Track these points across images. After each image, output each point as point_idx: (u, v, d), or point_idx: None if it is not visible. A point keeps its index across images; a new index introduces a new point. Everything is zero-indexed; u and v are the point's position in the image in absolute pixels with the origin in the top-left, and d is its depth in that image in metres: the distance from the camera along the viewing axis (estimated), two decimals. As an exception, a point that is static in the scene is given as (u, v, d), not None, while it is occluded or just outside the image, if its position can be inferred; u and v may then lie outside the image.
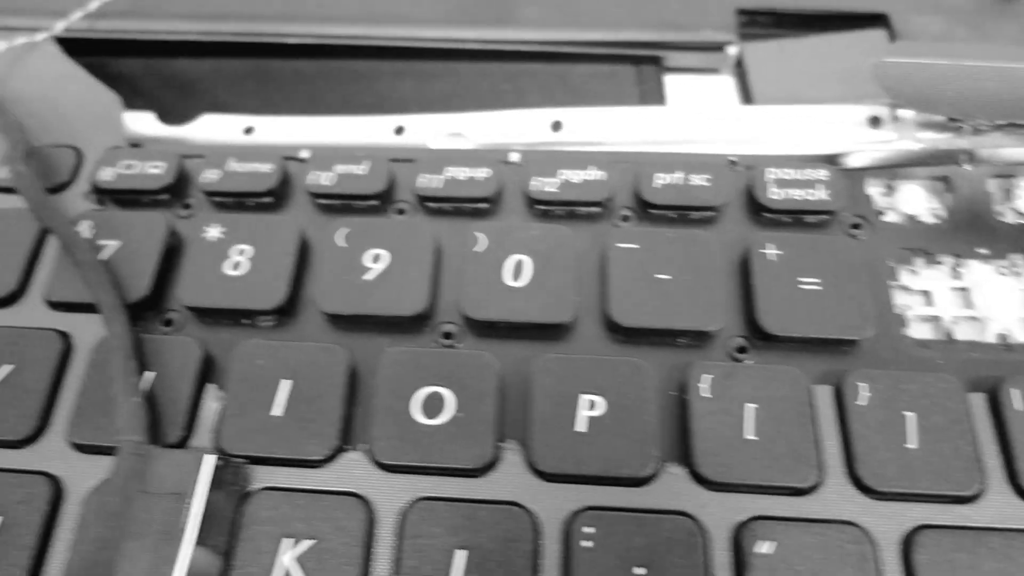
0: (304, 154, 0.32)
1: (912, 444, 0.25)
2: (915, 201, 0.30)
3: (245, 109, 0.35)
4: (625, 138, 0.32)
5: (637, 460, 0.25)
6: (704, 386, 0.25)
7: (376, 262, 0.28)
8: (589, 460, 0.25)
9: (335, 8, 0.39)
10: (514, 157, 0.31)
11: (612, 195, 0.30)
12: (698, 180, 0.30)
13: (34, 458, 0.26)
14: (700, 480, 0.25)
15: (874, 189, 0.30)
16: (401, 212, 0.30)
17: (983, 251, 0.29)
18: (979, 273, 0.29)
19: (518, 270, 0.28)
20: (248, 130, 0.34)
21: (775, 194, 0.29)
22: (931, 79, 0.28)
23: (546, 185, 0.30)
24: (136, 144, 0.34)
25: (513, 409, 0.26)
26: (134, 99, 0.35)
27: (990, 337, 0.28)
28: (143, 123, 0.34)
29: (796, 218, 0.29)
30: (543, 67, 0.38)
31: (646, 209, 0.30)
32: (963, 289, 0.28)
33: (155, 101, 0.37)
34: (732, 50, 0.37)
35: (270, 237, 0.29)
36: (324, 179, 0.30)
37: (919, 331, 0.28)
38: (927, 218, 0.30)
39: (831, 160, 0.31)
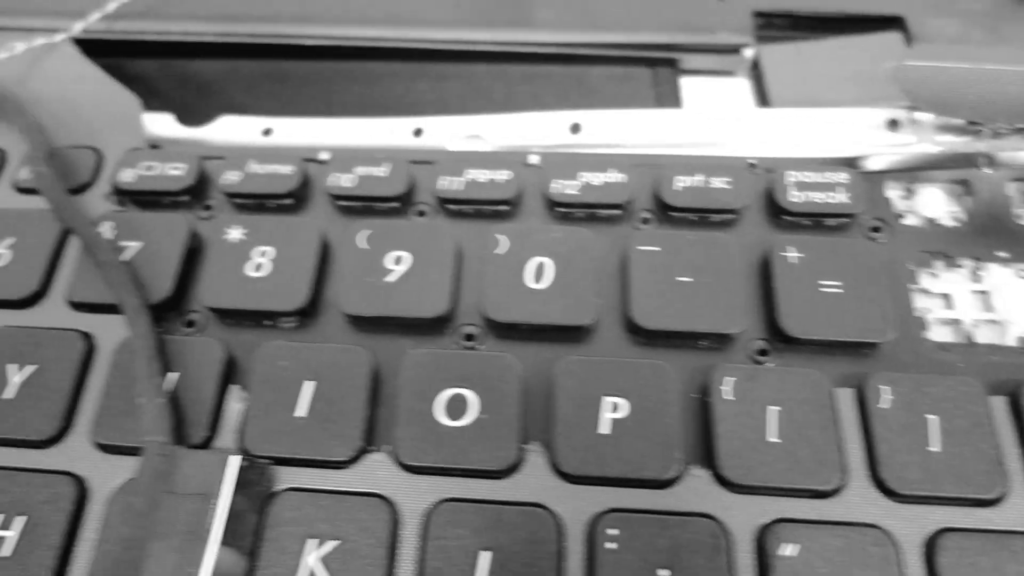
0: (324, 156, 0.32)
1: (935, 447, 0.25)
2: (934, 204, 0.30)
3: (261, 110, 0.35)
4: (644, 140, 0.32)
5: (660, 462, 0.25)
6: (727, 388, 0.26)
7: (398, 264, 0.28)
8: (613, 462, 0.25)
9: (351, 10, 0.39)
10: (533, 159, 0.31)
11: (632, 198, 0.30)
12: (718, 183, 0.30)
13: (58, 458, 0.26)
14: (723, 482, 0.25)
15: (893, 192, 0.30)
16: (422, 214, 0.31)
17: (1003, 254, 0.29)
18: (999, 276, 0.29)
19: (539, 272, 0.28)
20: (266, 131, 0.34)
21: (795, 197, 0.29)
22: (951, 82, 0.28)
23: (566, 187, 0.30)
24: (155, 145, 0.34)
25: (535, 411, 0.26)
26: (151, 100, 0.35)
27: (1010, 340, 0.28)
28: (162, 124, 0.35)
29: (816, 221, 0.29)
30: (559, 69, 0.38)
31: (666, 212, 0.30)
32: (983, 292, 0.28)
33: (172, 102, 0.37)
34: (748, 52, 0.37)
35: (291, 239, 0.29)
36: (345, 181, 0.31)
37: (939, 334, 0.28)
38: (947, 221, 0.30)
39: (850, 163, 0.31)
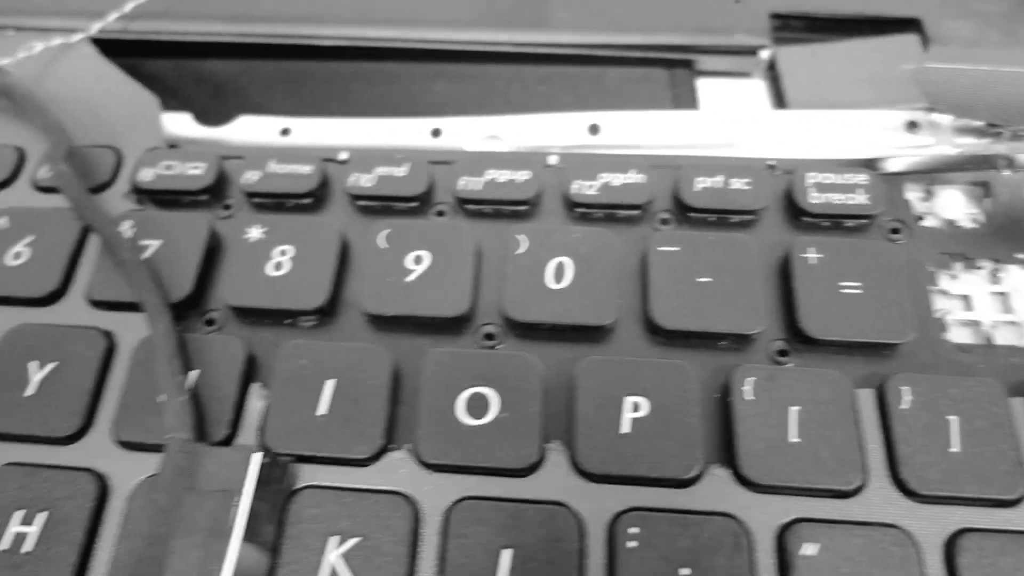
0: (342, 156, 0.32)
1: (955, 448, 0.25)
2: (954, 206, 0.30)
3: (278, 110, 0.35)
4: (662, 142, 0.33)
5: (681, 461, 0.25)
6: (747, 389, 0.26)
7: (418, 263, 0.28)
8: (633, 461, 0.25)
9: (368, 10, 0.39)
10: (552, 160, 0.31)
11: (651, 198, 0.30)
12: (738, 184, 0.30)
13: (79, 455, 0.26)
14: (744, 482, 0.25)
15: (913, 194, 0.30)
16: (441, 214, 0.31)
17: (1022, 256, 0.29)
18: (1018, 278, 0.29)
19: (559, 272, 0.28)
20: (284, 131, 0.34)
21: (815, 198, 0.29)
22: (972, 85, 0.28)
23: (586, 188, 0.30)
24: (173, 145, 0.34)
25: (556, 410, 0.26)
26: (167, 100, 0.35)
27: (1030, 342, 0.28)
28: (180, 124, 0.35)
29: (835, 222, 0.29)
30: (576, 70, 0.38)
31: (685, 212, 0.30)
32: (1002, 294, 0.28)
33: (188, 102, 0.37)
34: (765, 54, 0.37)
35: (311, 238, 0.29)
36: (364, 181, 0.31)
37: (959, 335, 0.28)
38: (966, 223, 0.30)
39: (869, 164, 0.31)
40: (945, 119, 0.32)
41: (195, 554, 0.23)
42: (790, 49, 0.37)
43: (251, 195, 0.31)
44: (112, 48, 0.37)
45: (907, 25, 0.37)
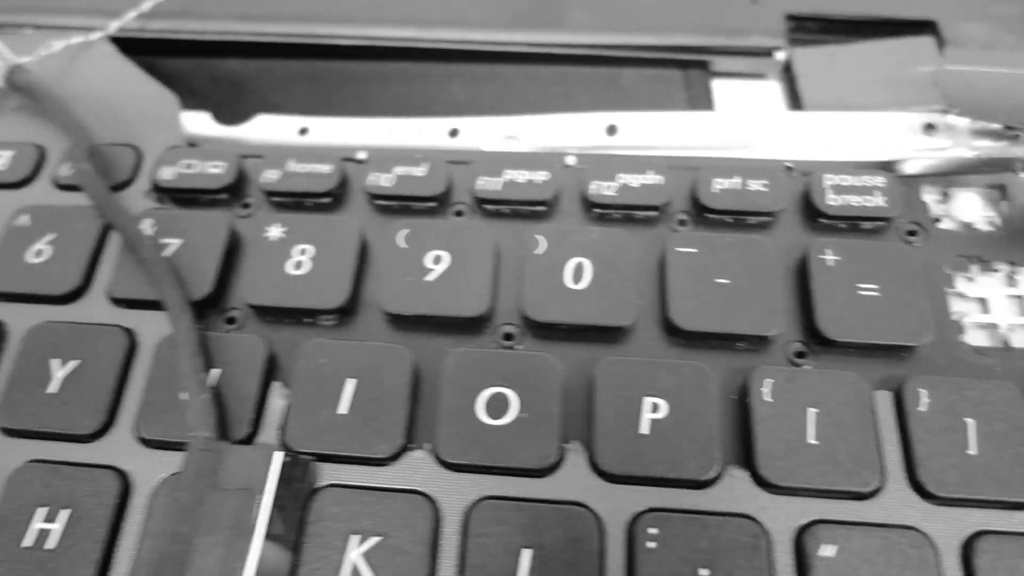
0: (361, 155, 0.32)
1: (972, 450, 0.25)
2: (970, 209, 0.30)
3: (295, 110, 0.35)
4: (679, 142, 0.33)
5: (700, 462, 0.25)
6: (766, 390, 0.26)
7: (437, 263, 0.28)
8: (652, 462, 0.25)
9: (386, 10, 0.39)
10: (570, 160, 0.32)
11: (670, 200, 0.30)
12: (755, 185, 0.30)
13: (102, 452, 0.27)
14: (762, 483, 0.25)
15: (929, 196, 0.30)
16: (459, 214, 0.31)
17: (1039, 259, 0.29)
18: (1035, 281, 0.29)
19: (578, 273, 0.28)
20: (303, 131, 0.34)
21: (833, 200, 0.29)
22: (991, 88, 0.28)
23: (604, 189, 0.30)
24: (192, 144, 0.34)
25: (574, 410, 0.26)
26: (185, 98, 0.36)
27: (1047, 345, 0.28)
28: (199, 123, 0.35)
29: (852, 224, 0.30)
30: (592, 70, 0.39)
31: (702, 214, 0.30)
32: (1019, 297, 0.29)
33: (205, 101, 0.37)
34: (780, 55, 0.37)
35: (331, 237, 0.29)
36: (383, 180, 0.31)
37: (976, 338, 0.28)
38: (982, 226, 0.30)
39: (886, 167, 0.31)
40: (962, 121, 0.32)
41: (218, 552, 0.23)
42: (806, 50, 0.37)
43: (270, 194, 0.31)
44: (130, 47, 0.38)
45: (922, 27, 0.37)
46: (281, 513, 0.24)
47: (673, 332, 0.28)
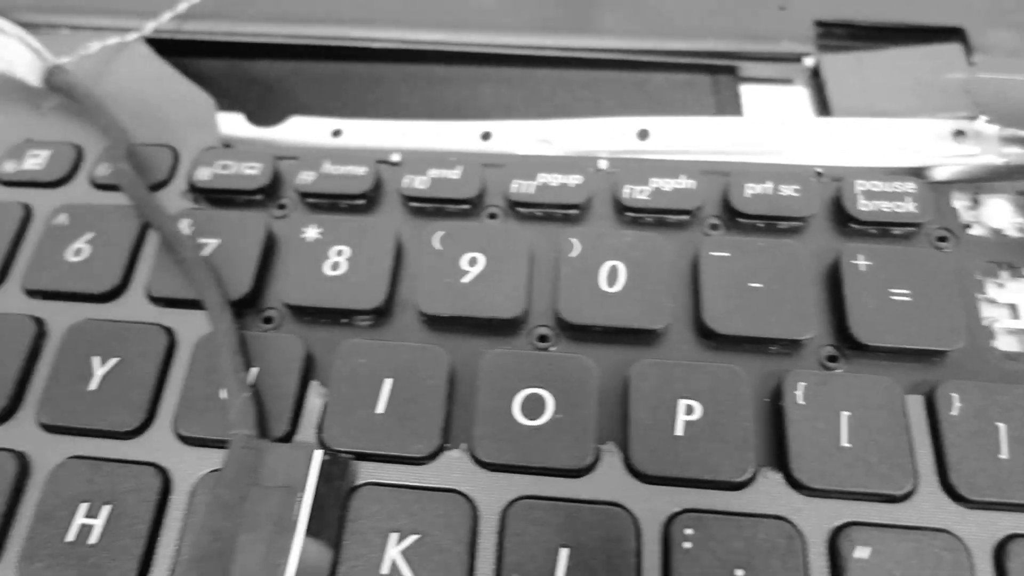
0: (395, 158, 0.33)
1: (1004, 454, 0.25)
2: (1000, 215, 0.30)
3: (326, 112, 0.36)
4: (710, 147, 0.33)
5: (734, 464, 0.25)
6: (799, 393, 0.26)
7: (472, 265, 0.29)
8: (687, 464, 0.25)
9: (417, 14, 0.39)
10: (603, 164, 0.32)
11: (702, 204, 0.30)
12: (787, 190, 0.30)
13: (142, 449, 0.27)
14: (796, 485, 0.25)
15: (959, 203, 0.31)
16: (493, 216, 0.31)
17: (1068, 266, 0.29)
18: (1064, 287, 0.29)
19: (613, 276, 0.28)
20: (336, 133, 0.35)
21: (864, 206, 0.30)
22: (1022, 95, 0.29)
23: (637, 192, 0.30)
24: (227, 145, 0.34)
25: (609, 412, 0.27)
26: (218, 99, 0.36)
27: (1076, 351, 0.28)
28: (233, 124, 0.35)
29: (883, 230, 0.30)
30: (621, 75, 0.39)
31: (734, 218, 0.30)
32: (1049, 303, 0.29)
33: (239, 102, 0.38)
34: (808, 61, 0.37)
35: (367, 238, 0.30)
36: (418, 183, 0.31)
37: (1006, 343, 0.28)
38: (1012, 232, 0.30)
39: (915, 173, 0.31)
40: (990, 128, 0.32)
41: (260, 549, 0.23)
42: (835, 56, 0.37)
43: (305, 195, 0.32)
44: (165, 48, 0.38)
45: (950, 34, 0.38)
46: (321, 511, 0.24)
47: (706, 335, 0.28)
